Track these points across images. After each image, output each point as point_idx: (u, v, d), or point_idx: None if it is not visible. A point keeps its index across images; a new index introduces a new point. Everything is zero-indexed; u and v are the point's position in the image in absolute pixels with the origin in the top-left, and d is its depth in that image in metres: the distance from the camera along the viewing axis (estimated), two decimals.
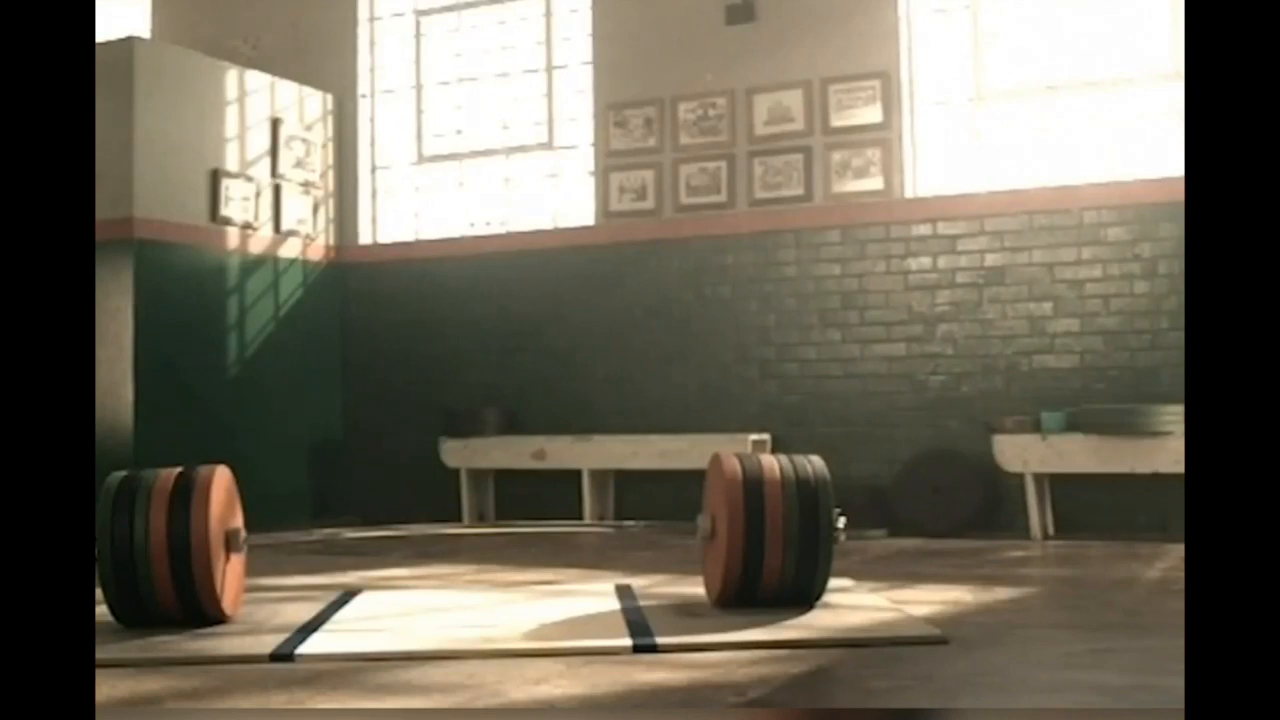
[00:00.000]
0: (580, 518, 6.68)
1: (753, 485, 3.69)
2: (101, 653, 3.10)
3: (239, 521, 3.81)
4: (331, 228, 7.78)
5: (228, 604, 3.64)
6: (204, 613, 3.55)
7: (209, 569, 3.51)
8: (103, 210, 6.17)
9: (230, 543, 3.68)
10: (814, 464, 3.79)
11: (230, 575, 3.70)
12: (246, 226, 7.09)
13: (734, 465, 3.76)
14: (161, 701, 2.79)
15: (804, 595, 3.70)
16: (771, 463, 3.79)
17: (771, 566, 3.62)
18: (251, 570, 4.10)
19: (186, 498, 3.54)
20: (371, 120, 7.94)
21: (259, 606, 3.93)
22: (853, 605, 3.80)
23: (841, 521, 3.71)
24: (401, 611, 3.88)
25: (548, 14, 7.56)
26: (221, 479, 3.69)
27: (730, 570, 3.65)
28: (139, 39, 6.81)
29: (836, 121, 6.74)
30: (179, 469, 3.67)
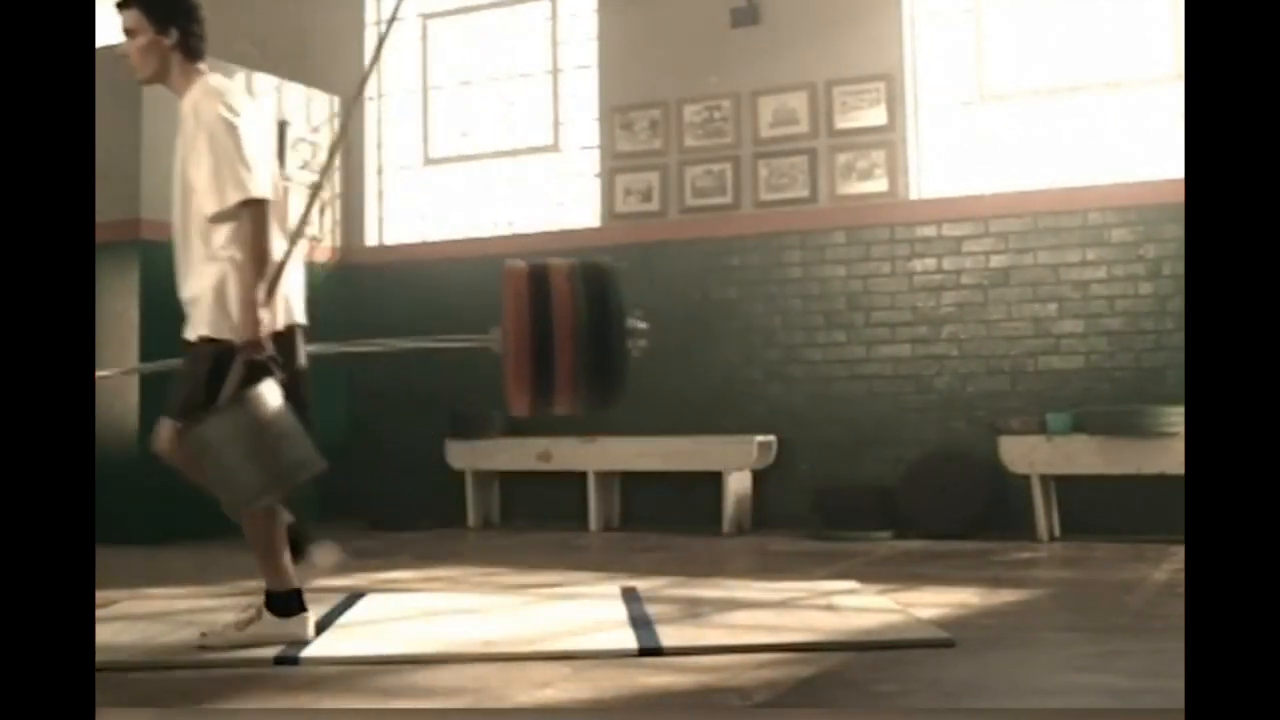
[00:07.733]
0: (585, 520, 6.68)
1: (538, 275, 3.60)
2: (102, 655, 3.09)
3: None
4: (338, 229, 7.78)
5: None
6: None
7: None
8: (109, 212, 6.15)
9: None
10: (603, 262, 3.73)
11: None
12: None
13: (519, 263, 3.68)
14: (163, 704, 2.78)
15: (604, 390, 3.62)
16: (559, 260, 3.72)
17: (563, 357, 3.52)
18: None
19: None
20: (378, 122, 7.94)
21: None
22: (859, 607, 3.79)
23: (643, 325, 3.63)
24: (407, 614, 3.88)
25: (553, 17, 7.56)
26: None
27: (520, 365, 3.55)
28: None
29: (841, 123, 6.74)
30: None
